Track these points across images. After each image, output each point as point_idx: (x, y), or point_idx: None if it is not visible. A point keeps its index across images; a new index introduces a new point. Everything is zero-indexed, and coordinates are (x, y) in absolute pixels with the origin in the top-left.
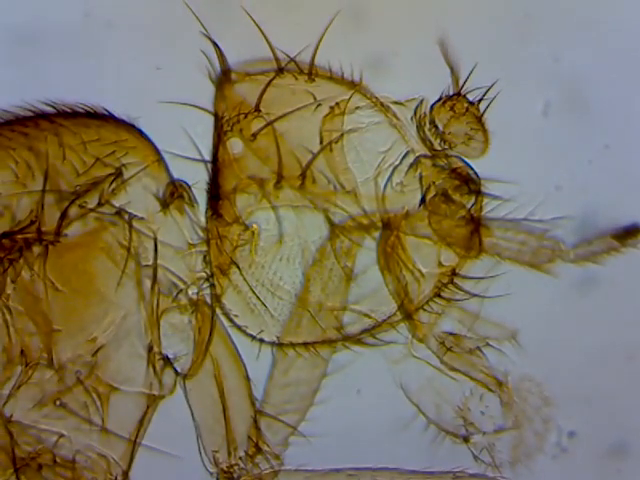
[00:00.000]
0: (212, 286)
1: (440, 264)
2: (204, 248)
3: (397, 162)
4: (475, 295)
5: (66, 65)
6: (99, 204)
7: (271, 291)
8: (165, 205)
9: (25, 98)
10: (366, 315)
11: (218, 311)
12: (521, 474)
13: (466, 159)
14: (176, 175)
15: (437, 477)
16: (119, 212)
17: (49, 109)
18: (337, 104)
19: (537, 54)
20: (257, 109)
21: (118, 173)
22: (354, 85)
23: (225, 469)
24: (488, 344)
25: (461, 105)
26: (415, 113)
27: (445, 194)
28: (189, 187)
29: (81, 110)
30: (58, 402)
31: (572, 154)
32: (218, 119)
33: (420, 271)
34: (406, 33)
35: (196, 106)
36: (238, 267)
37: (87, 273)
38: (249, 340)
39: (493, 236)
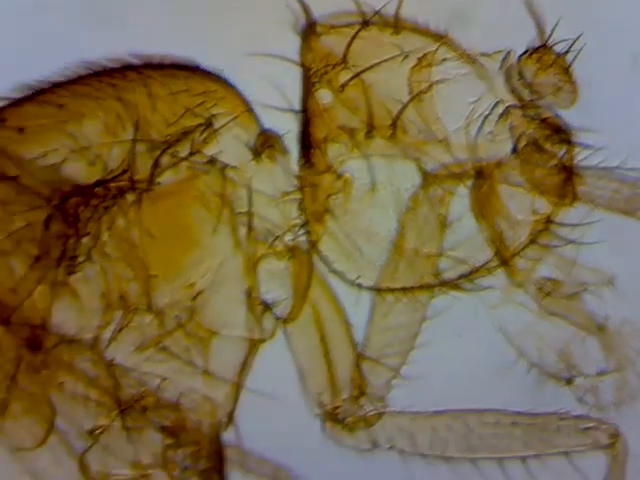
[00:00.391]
0: (308, 233)
1: (534, 212)
2: (298, 196)
3: (487, 112)
4: (571, 242)
5: (153, 19)
6: (191, 153)
7: (367, 238)
8: (257, 154)
9: (112, 51)
10: (463, 261)
11: (315, 257)
12: (626, 415)
13: (556, 109)
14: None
15: (542, 418)
16: (211, 161)
17: (136, 61)
18: (424, 56)
19: (625, 5)
20: (344, 60)
21: (208, 123)
22: (440, 38)
23: (330, 411)
24: (586, 289)
25: (548, 57)
26: (502, 65)
27: (536, 144)
28: (280, 137)
29: (169, 62)
30: (159, 346)
31: None
32: (305, 70)
33: (515, 219)
34: None
35: (283, 57)
36: (333, 214)
37: (181, 220)
38: (348, 285)
39: (586, 184)
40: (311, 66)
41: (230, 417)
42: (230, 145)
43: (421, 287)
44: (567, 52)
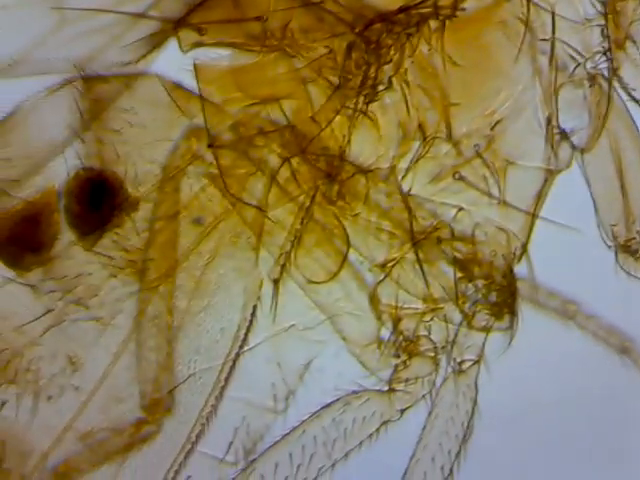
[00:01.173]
0: (609, 60)
1: None
2: (601, 22)
3: None
4: None
5: None
6: None
7: None
8: None
9: None
10: None
11: (616, 85)
12: None
13: None
14: None
15: None
16: None
17: None
18: None
19: None
20: None
21: None
22: None
23: (624, 243)
24: None
25: None
26: None
27: None
28: None
29: None
30: (457, 175)
31: None
32: None
33: None
34: None
35: None
36: (635, 41)
37: (484, 47)
38: None
39: None
40: None
41: (523, 249)
42: None
43: None
44: None
